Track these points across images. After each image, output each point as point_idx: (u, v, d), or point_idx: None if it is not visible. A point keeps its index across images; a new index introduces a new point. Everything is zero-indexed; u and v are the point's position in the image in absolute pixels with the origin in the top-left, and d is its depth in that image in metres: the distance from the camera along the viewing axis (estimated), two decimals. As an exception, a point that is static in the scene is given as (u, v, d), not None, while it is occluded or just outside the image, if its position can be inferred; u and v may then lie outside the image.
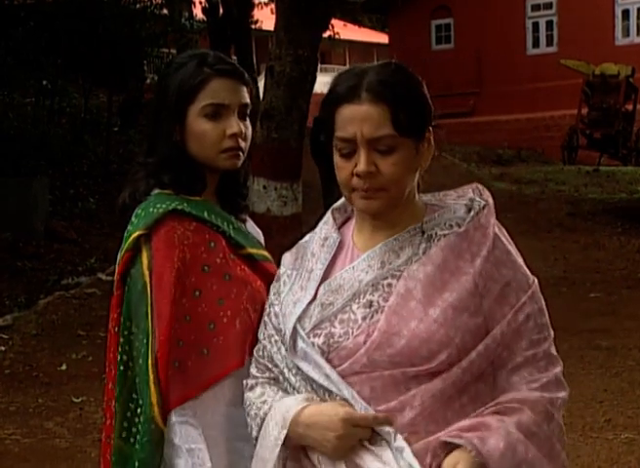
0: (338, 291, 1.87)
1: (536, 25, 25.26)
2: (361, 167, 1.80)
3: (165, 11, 17.73)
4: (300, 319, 1.88)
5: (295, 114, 8.99)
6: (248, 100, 2.14)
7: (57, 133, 15.16)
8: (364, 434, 1.77)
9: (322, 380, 1.82)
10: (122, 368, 2.05)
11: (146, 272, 2.03)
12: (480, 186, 1.94)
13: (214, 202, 2.19)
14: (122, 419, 2.04)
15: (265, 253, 2.23)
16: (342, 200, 2.00)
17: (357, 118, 1.79)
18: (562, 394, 1.85)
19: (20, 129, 14.45)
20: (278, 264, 2.15)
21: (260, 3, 21.74)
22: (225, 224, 2.14)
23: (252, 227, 2.31)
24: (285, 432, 1.82)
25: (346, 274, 1.89)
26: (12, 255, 10.77)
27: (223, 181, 2.20)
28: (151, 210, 2.07)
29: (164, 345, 1.98)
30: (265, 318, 2.00)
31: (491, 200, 1.90)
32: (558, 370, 1.87)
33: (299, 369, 1.87)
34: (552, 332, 1.89)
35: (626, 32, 24.48)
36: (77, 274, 10.35)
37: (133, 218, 2.09)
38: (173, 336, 1.99)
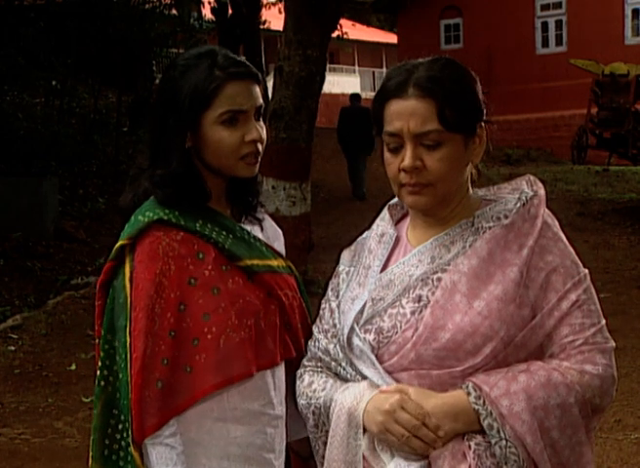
0: (388, 286, 1.88)
1: (545, 25, 25.17)
2: (406, 162, 1.80)
3: (174, 11, 17.75)
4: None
5: (304, 114, 8.99)
6: (262, 101, 2.04)
7: (66, 133, 15.19)
8: (408, 421, 1.74)
9: (376, 379, 1.83)
10: (102, 383, 1.97)
11: (128, 284, 1.94)
12: (532, 178, 1.93)
13: (222, 205, 2.09)
14: (103, 437, 1.95)
15: (272, 263, 2.09)
16: None
17: (404, 113, 1.80)
18: (596, 382, 1.78)
19: (30, 129, 14.50)
20: (293, 263, 2.14)
21: (267, 3, 21.73)
22: (222, 235, 2.02)
23: (270, 227, 2.21)
24: (361, 431, 1.82)
25: (397, 269, 1.89)
26: (21, 255, 10.80)
27: (233, 182, 2.10)
28: (139, 218, 1.98)
29: (137, 362, 1.89)
30: (321, 312, 2.01)
31: (541, 191, 1.89)
32: (602, 360, 1.80)
33: (352, 363, 1.88)
34: (603, 321, 1.85)
35: (636, 31, 24.37)
36: (87, 274, 10.37)
37: (126, 225, 2.01)
38: (157, 354, 1.90)
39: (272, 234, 2.21)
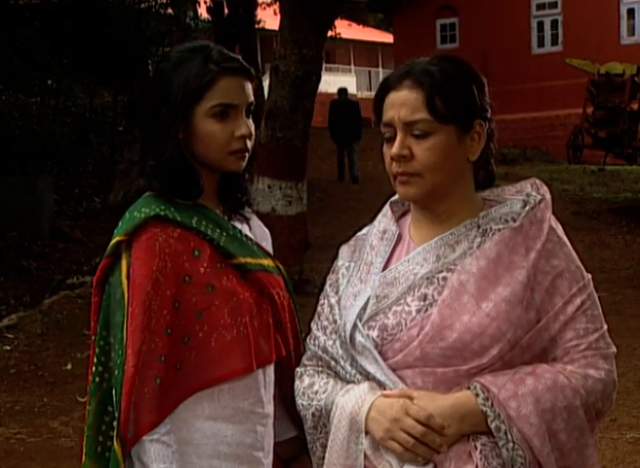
0: (393, 283, 1.87)
1: (541, 25, 25.20)
2: (394, 149, 1.83)
3: (170, 10, 17.74)
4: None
5: (299, 114, 8.99)
6: (253, 98, 2.06)
7: (62, 132, 15.19)
8: (413, 428, 1.74)
9: (379, 375, 1.83)
10: (97, 379, 1.96)
11: (125, 281, 1.93)
12: (538, 181, 1.94)
13: (214, 202, 2.09)
14: (96, 434, 1.95)
15: (264, 262, 2.09)
16: None
17: (396, 103, 1.83)
18: (599, 387, 1.80)
19: (26, 128, 14.49)
20: (282, 263, 2.13)
21: (263, 3, 21.72)
22: (216, 232, 2.02)
23: (258, 227, 2.21)
24: (363, 435, 1.81)
25: (402, 267, 1.89)
26: (17, 255, 10.80)
27: (224, 178, 2.10)
28: (135, 214, 1.96)
29: (132, 358, 1.88)
30: (319, 309, 2.00)
31: (548, 195, 1.90)
32: (605, 365, 1.82)
33: (354, 360, 1.87)
34: (605, 326, 1.86)
35: (632, 31, 24.41)
36: (82, 273, 10.36)
37: (120, 221, 2.00)
38: (154, 351, 1.90)
39: (260, 234, 2.20)
